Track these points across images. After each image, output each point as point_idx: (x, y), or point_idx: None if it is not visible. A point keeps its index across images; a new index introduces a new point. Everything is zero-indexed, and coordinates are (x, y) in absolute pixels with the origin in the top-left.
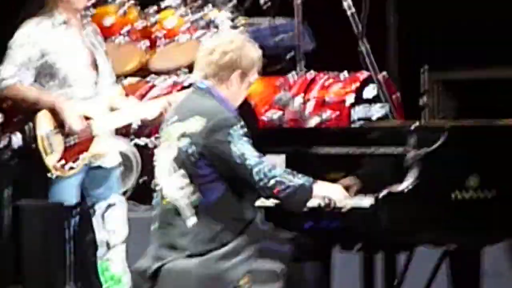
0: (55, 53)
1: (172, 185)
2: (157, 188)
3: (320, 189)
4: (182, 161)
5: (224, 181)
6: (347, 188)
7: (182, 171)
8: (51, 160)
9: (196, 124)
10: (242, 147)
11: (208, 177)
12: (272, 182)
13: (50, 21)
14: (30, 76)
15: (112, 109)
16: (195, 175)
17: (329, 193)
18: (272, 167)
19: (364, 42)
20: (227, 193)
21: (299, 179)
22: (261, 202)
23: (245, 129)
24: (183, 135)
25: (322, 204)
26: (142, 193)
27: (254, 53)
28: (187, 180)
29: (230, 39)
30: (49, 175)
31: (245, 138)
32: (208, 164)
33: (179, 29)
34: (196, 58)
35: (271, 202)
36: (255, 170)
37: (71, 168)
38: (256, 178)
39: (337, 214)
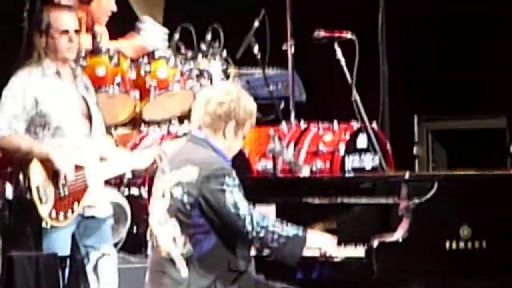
0: (48, 103)
1: (165, 236)
2: (152, 237)
3: (313, 239)
4: (175, 211)
5: (216, 232)
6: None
7: (174, 222)
8: (45, 210)
9: (190, 174)
10: (236, 196)
11: (201, 227)
12: (263, 232)
13: (40, 71)
14: (23, 126)
15: (102, 160)
16: (188, 226)
17: (322, 243)
18: (264, 216)
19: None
20: (219, 244)
21: (291, 230)
22: (253, 252)
23: (238, 180)
24: (177, 185)
25: (317, 254)
26: (133, 244)
27: (249, 104)
28: (178, 231)
29: (226, 90)
30: (43, 224)
31: (237, 188)
32: (201, 214)
33: (171, 79)
34: (189, 108)
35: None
36: (248, 219)
37: (66, 217)
38: (249, 228)
39: (329, 264)
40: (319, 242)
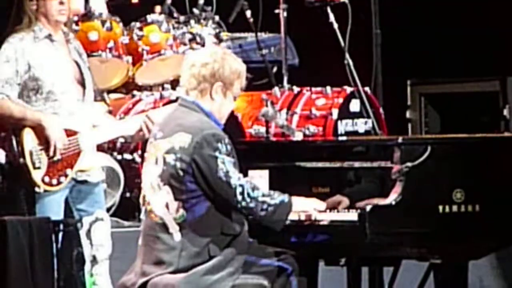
0: (40, 67)
1: (158, 201)
2: (145, 203)
3: (297, 204)
4: (168, 177)
5: (209, 197)
6: (335, 205)
7: (167, 188)
8: (38, 175)
9: (182, 140)
10: (228, 165)
11: (193, 193)
12: (253, 203)
13: (32, 35)
14: (16, 91)
15: (93, 125)
16: (180, 191)
17: (307, 207)
18: (254, 187)
19: (347, 56)
20: (212, 208)
21: (278, 197)
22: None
23: (231, 146)
24: (169, 151)
25: (302, 217)
26: (126, 208)
27: (235, 65)
28: (171, 197)
29: (211, 52)
30: (36, 189)
31: (230, 156)
32: (193, 180)
33: (163, 43)
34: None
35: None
36: (238, 190)
37: (59, 182)
38: (239, 198)
39: (322, 228)
40: (304, 206)
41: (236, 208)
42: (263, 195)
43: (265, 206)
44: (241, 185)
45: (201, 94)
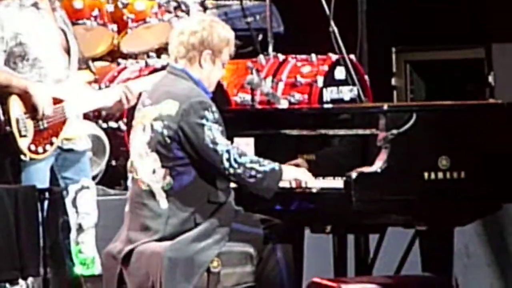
0: (26, 34)
1: (145, 168)
2: (132, 170)
3: (288, 172)
4: (155, 144)
5: (195, 165)
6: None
7: (154, 155)
8: (25, 143)
9: (169, 108)
10: (215, 132)
11: (180, 160)
12: (241, 169)
13: (18, 2)
14: (2, 58)
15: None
16: (167, 159)
17: (297, 175)
18: (242, 153)
19: (332, 24)
20: (198, 177)
21: (268, 164)
22: (233, 184)
23: (218, 114)
24: (157, 119)
25: (293, 185)
26: (111, 176)
27: (224, 33)
28: (159, 164)
29: (199, 20)
30: (22, 157)
31: (217, 124)
32: (180, 148)
33: (148, 11)
34: (167, 40)
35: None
36: (225, 156)
37: (45, 150)
38: (226, 164)
39: (308, 196)
40: (295, 174)
41: (224, 175)
42: (251, 162)
43: (253, 173)
44: (228, 151)
45: (190, 62)
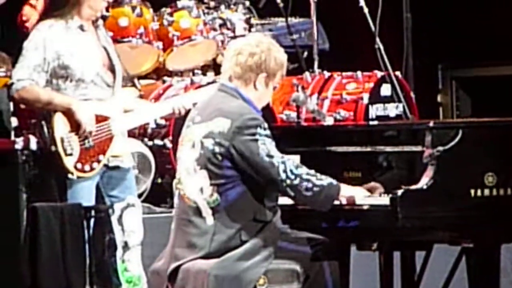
0: (70, 55)
1: (193, 185)
2: (179, 186)
3: (346, 189)
4: (205, 161)
5: (244, 183)
6: (370, 191)
7: (203, 172)
8: (71, 161)
9: (221, 125)
10: (269, 146)
11: (229, 178)
12: (297, 180)
13: (64, 24)
14: (43, 77)
15: (125, 111)
16: (217, 176)
17: (354, 193)
18: (298, 165)
19: (378, 40)
20: (246, 194)
21: (325, 179)
22: (283, 201)
23: (269, 131)
24: (207, 136)
25: (343, 202)
26: (157, 194)
27: (280, 55)
28: (207, 181)
29: (257, 41)
30: (69, 176)
31: (270, 138)
32: (231, 165)
33: (194, 29)
34: (212, 58)
35: (287, 200)
36: (281, 168)
37: (92, 169)
38: (283, 176)
39: (354, 213)
40: (351, 192)
41: (281, 188)
42: (308, 174)
43: (310, 185)
44: (283, 162)
45: (245, 83)
